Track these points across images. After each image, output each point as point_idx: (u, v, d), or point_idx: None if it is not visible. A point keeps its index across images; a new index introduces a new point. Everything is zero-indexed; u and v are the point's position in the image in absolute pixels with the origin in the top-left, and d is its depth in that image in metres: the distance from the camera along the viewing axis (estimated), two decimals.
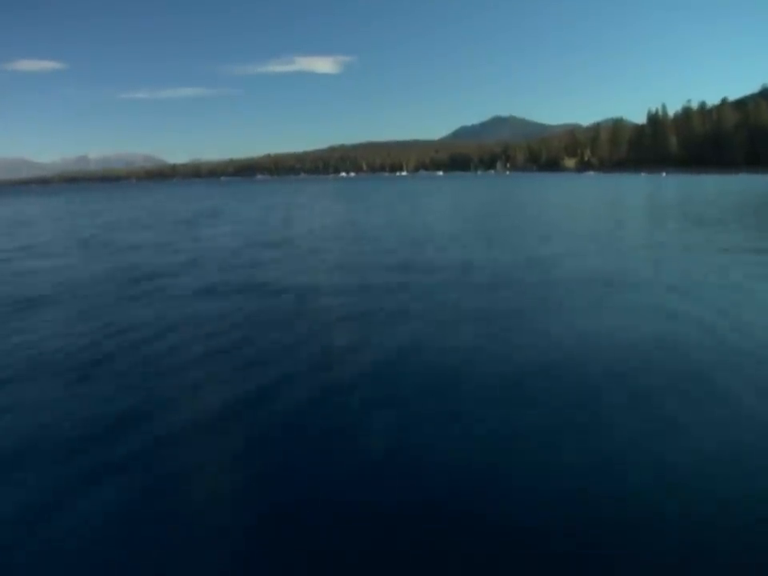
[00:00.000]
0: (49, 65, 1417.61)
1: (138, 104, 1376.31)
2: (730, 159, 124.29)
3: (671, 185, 68.80)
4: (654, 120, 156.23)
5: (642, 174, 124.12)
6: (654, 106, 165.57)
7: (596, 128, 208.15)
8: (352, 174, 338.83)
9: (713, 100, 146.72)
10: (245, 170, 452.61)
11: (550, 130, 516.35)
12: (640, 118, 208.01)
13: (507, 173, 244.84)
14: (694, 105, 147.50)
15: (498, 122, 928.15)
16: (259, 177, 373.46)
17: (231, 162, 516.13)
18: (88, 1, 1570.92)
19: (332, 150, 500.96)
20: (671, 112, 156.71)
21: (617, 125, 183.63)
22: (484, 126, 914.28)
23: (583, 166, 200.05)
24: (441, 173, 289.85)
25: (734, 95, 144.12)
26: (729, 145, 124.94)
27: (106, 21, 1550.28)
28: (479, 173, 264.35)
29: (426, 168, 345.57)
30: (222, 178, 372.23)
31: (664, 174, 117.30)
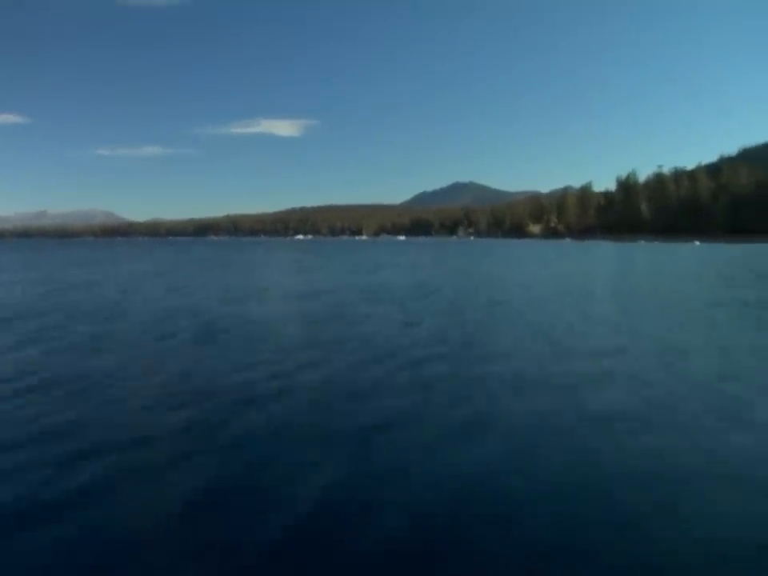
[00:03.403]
0: (12, 118, 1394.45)
1: (100, 161, 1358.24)
2: (708, 227, 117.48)
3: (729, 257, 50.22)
4: (626, 186, 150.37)
5: (641, 242, 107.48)
6: (624, 172, 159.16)
7: (563, 193, 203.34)
8: (310, 237, 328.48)
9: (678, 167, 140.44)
10: (204, 230, 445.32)
11: (509, 196, 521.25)
12: (602, 187, 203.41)
13: (472, 238, 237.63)
14: (666, 170, 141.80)
15: (458, 187, 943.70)
16: (212, 237, 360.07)
17: (191, 221, 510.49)
18: (54, 58, 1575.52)
19: (292, 211, 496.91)
20: (641, 178, 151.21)
21: (584, 190, 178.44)
22: (444, 192, 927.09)
23: (549, 232, 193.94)
24: (403, 237, 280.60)
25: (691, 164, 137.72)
26: (708, 212, 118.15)
27: (71, 78, 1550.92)
28: (455, 238, 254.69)
29: (387, 232, 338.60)
30: (170, 238, 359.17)
31: (697, 243, 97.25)
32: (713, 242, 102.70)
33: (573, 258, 53.88)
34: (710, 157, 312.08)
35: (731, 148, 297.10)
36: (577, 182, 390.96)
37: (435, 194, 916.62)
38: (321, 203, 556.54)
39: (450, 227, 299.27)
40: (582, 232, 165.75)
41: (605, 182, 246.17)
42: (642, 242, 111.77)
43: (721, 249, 72.75)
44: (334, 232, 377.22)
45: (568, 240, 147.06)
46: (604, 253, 66.08)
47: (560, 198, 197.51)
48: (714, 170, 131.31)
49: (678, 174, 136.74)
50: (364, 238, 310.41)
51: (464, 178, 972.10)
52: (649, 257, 53.98)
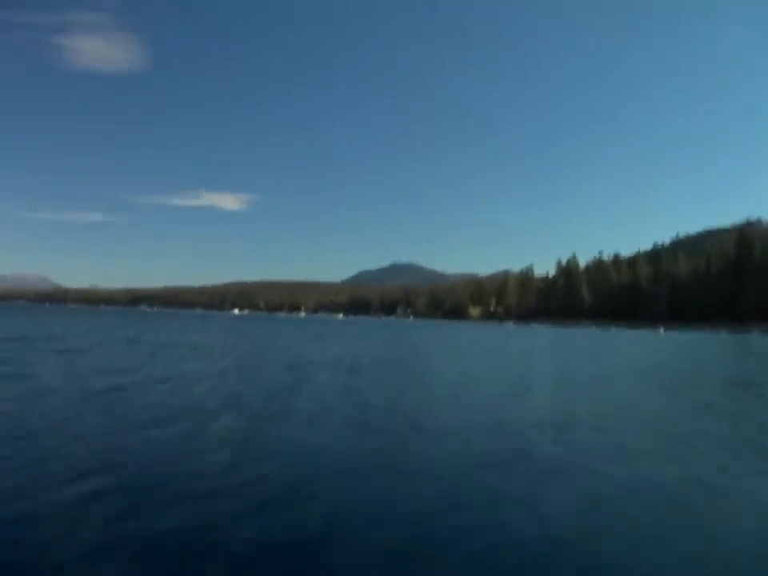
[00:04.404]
0: None
1: (40, 224, 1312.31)
2: (649, 313, 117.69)
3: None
4: (566, 270, 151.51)
5: (594, 328, 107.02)
6: (563, 258, 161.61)
7: (504, 277, 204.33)
8: (246, 312, 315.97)
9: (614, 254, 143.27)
10: (138, 300, 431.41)
11: (447, 278, 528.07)
12: (542, 271, 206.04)
13: (410, 318, 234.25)
14: (606, 256, 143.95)
15: (397, 268, 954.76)
16: (143, 308, 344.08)
17: (129, 291, 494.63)
18: None
19: (231, 285, 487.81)
20: (581, 263, 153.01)
21: (525, 274, 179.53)
22: (383, 272, 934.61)
23: (489, 316, 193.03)
24: (341, 316, 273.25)
25: (629, 250, 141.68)
26: (648, 298, 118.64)
27: (10, 140, 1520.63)
28: (393, 317, 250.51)
29: (326, 309, 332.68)
30: (103, 306, 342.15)
31: (661, 331, 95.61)
32: (650, 327, 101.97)
33: (556, 356, 47.73)
34: (645, 244, 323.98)
35: (664, 237, 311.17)
36: (515, 266, 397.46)
37: (375, 273, 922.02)
38: (260, 278, 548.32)
39: (389, 307, 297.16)
40: (523, 316, 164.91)
41: (544, 267, 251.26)
42: (593, 327, 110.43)
43: (704, 338, 68.71)
44: (271, 307, 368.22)
45: (510, 323, 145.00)
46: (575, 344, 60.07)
47: (501, 282, 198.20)
48: (652, 255, 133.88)
49: (618, 261, 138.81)
50: (302, 314, 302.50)
51: (403, 258, 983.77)
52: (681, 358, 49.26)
